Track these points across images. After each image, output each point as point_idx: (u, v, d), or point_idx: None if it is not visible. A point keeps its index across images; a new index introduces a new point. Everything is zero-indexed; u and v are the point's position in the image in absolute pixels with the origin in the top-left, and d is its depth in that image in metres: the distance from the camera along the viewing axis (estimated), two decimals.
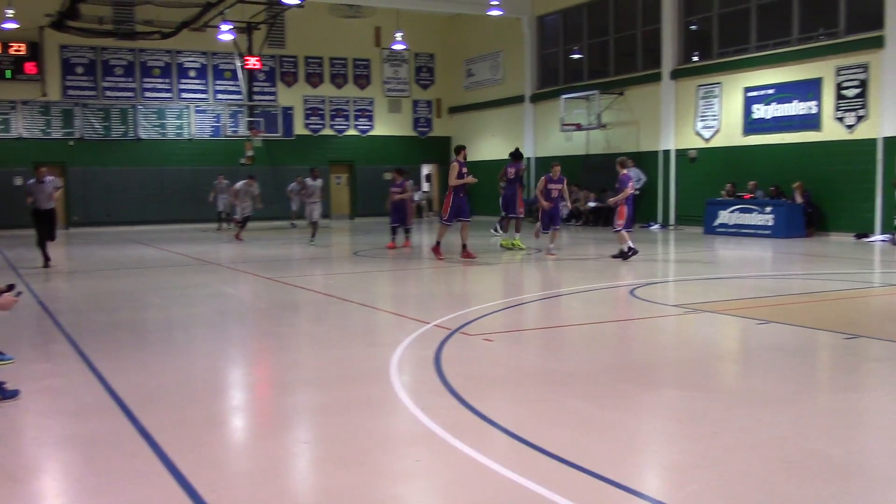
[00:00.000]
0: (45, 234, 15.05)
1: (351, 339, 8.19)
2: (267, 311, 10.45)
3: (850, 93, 20.02)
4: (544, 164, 30.22)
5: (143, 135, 30.07)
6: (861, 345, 7.61)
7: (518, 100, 31.40)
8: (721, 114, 23.39)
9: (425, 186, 36.04)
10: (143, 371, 6.87)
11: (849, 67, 20.03)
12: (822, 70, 20.59)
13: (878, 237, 19.08)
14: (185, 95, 30.79)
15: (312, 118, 33.05)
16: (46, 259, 15.07)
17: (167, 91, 30.55)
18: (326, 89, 33.27)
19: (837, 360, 7.31)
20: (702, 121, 24.02)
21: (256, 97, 31.53)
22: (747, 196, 21.82)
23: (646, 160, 25.60)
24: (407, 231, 18.79)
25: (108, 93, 29.66)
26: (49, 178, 15.19)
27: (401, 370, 6.63)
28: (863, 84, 19.77)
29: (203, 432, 5.13)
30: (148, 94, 30.23)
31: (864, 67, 19.69)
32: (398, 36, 30.99)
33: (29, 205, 15.08)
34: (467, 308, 9.70)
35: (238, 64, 30.74)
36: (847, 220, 20.08)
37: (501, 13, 27.37)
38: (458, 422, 5.20)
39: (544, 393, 5.99)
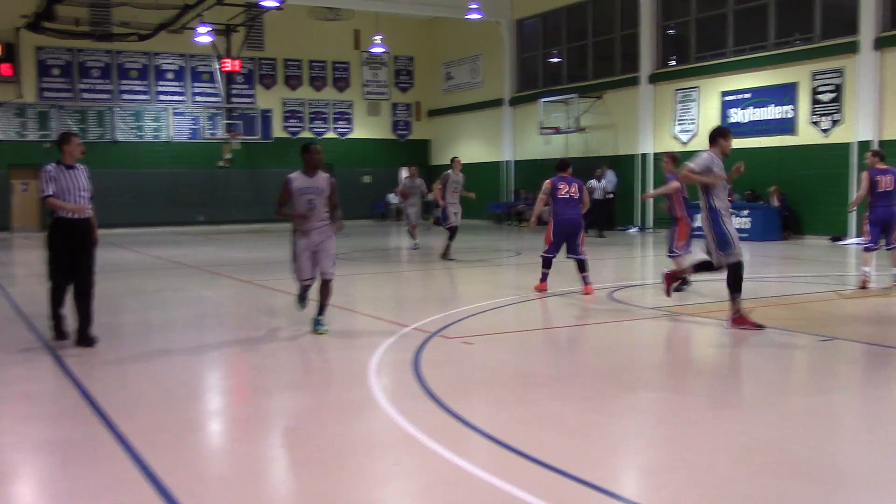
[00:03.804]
0: None
1: (329, 342, 8.17)
2: (245, 314, 10.41)
3: (826, 97, 20.22)
4: (523, 167, 30.34)
5: (120, 137, 29.85)
6: (836, 347, 7.68)
7: (497, 103, 31.47)
8: (698, 118, 23.55)
9: None
10: (119, 375, 6.82)
11: (824, 72, 20.23)
12: (798, 75, 20.79)
13: (852, 240, 19.28)
14: (162, 98, 30.61)
15: (291, 121, 32.96)
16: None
17: (144, 93, 30.36)
18: (305, 92, 33.18)
19: (812, 363, 7.37)
20: (679, 124, 24.18)
21: (235, 100, 31.39)
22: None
23: (624, 163, 25.74)
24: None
25: (85, 95, 29.42)
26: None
27: (379, 373, 6.62)
28: (838, 89, 19.98)
29: (180, 436, 5.10)
30: (125, 97, 30.02)
31: (839, 72, 19.90)
32: (377, 39, 30.98)
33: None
34: (447, 311, 9.71)
35: (216, 66, 30.60)
36: (822, 224, 20.27)
37: (480, 17, 27.44)
38: (437, 425, 5.20)
39: (523, 396, 6.00)
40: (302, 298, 8.81)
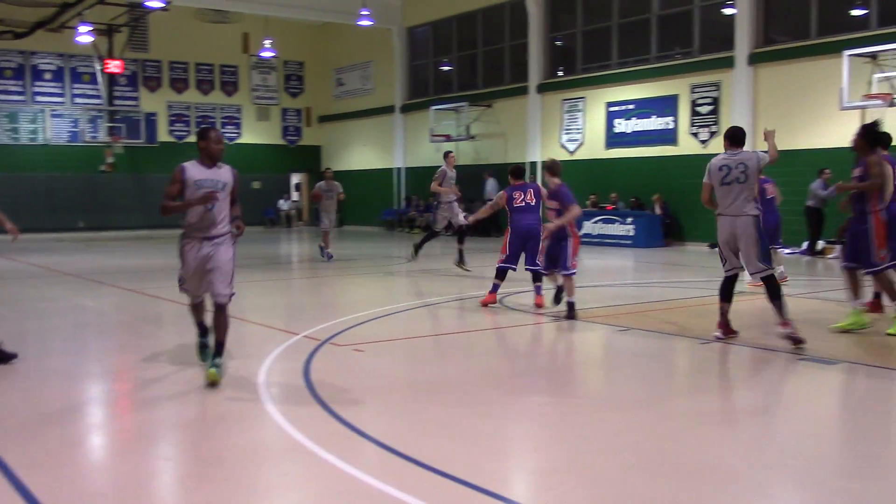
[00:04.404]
0: None
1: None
2: (129, 323, 10.08)
3: (704, 109, 21.08)
4: (414, 174, 30.45)
5: None
6: (714, 349, 7.99)
7: (388, 110, 31.50)
8: (585, 127, 24.16)
9: (294, 196, 35.63)
10: None
11: (702, 85, 21.09)
12: (679, 87, 21.60)
13: None
14: (39, 99, 29.39)
15: (177, 125, 32.15)
16: None
17: (20, 94, 29.07)
18: (192, 95, 32.44)
19: (693, 365, 7.66)
20: (566, 134, 24.74)
21: (117, 102, 30.40)
22: (609, 207, 22.60)
23: None
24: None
25: None
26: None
27: (269, 382, 6.52)
28: (715, 101, 20.85)
29: (59, 452, 4.90)
30: None
31: (717, 86, 20.77)
32: (267, 43, 30.56)
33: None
34: (338, 319, 9.64)
35: (98, 67, 29.54)
36: (702, 231, 21.07)
37: (372, 23, 27.42)
38: (328, 434, 5.16)
39: (413, 402, 6.02)
40: (202, 347, 7.01)
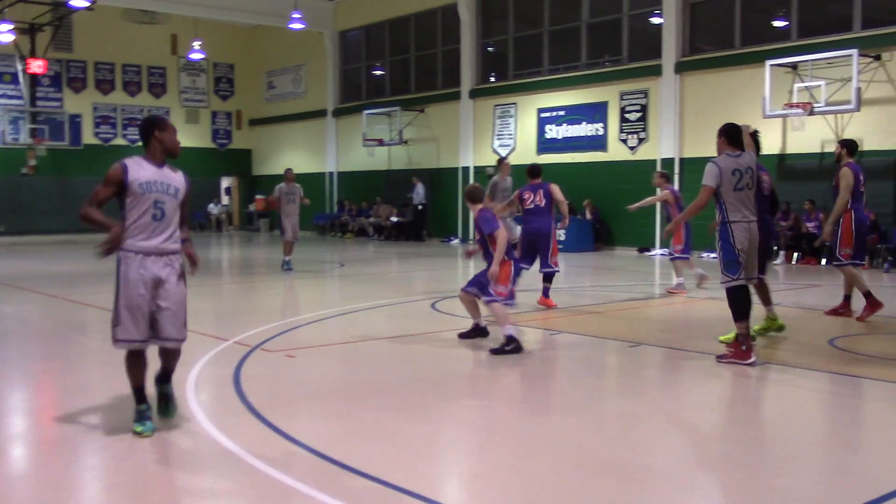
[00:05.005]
0: None
1: None
2: (52, 330, 9.80)
3: (633, 116, 21.46)
4: (347, 179, 30.32)
5: None
6: (643, 352, 8.14)
7: (320, 114, 31.31)
8: (516, 133, 24.37)
9: (224, 200, 35.16)
10: None
11: (631, 93, 21.47)
12: (608, 94, 21.95)
13: (657, 251, 20.53)
14: None
15: (103, 127, 31.42)
16: None
17: None
18: (118, 97, 31.75)
19: (623, 367, 7.78)
20: (499, 139, 24.91)
21: (40, 103, 29.54)
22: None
23: (446, 176, 26.24)
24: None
25: None
26: None
27: (198, 390, 6.40)
28: (643, 109, 21.25)
29: None
30: None
31: (645, 93, 21.17)
32: (196, 45, 30.10)
33: None
34: (269, 324, 9.53)
35: (19, 67, 28.68)
36: (631, 236, 21.46)
37: (303, 27, 27.22)
38: (259, 441, 5.09)
39: (346, 408, 5.98)
40: (142, 417, 5.27)
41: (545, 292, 10.95)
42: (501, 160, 13.10)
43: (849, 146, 9.81)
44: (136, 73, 32.12)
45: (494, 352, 7.89)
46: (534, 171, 11.07)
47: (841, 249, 9.67)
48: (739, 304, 7.37)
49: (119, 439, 5.30)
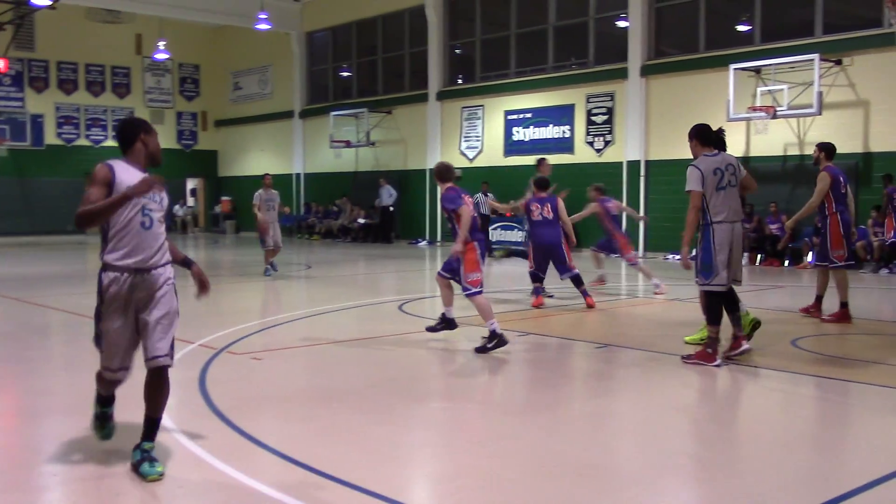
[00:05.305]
0: None
1: None
2: (13, 333, 9.64)
3: (599, 119, 21.59)
4: (314, 180, 30.19)
5: None
6: (609, 353, 8.19)
7: (287, 115, 31.15)
8: (484, 135, 24.42)
9: (190, 201, 34.85)
10: None
11: (597, 96, 21.60)
12: (575, 97, 22.07)
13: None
14: None
15: (66, 127, 31.01)
16: None
17: None
18: (82, 97, 31.35)
19: (589, 368, 7.82)
20: (466, 141, 24.95)
21: (1, 103, 29.12)
22: (508, 214, 22.87)
23: (413, 178, 26.22)
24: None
25: None
26: None
27: None
28: (610, 111, 21.39)
29: None
30: None
31: (611, 96, 21.32)
32: (161, 45, 29.81)
33: None
34: (235, 326, 9.46)
35: None
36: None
37: (270, 27, 27.06)
38: (225, 444, 5.06)
39: (313, 411, 5.96)
40: (103, 419, 4.98)
41: (585, 294, 11.16)
42: (541, 159, 13.11)
43: (826, 149, 9.84)
44: (99, 73, 31.74)
45: (479, 350, 7.91)
46: (541, 183, 11.37)
47: (833, 252, 9.69)
48: (712, 308, 7.38)
49: (81, 443, 5.23)
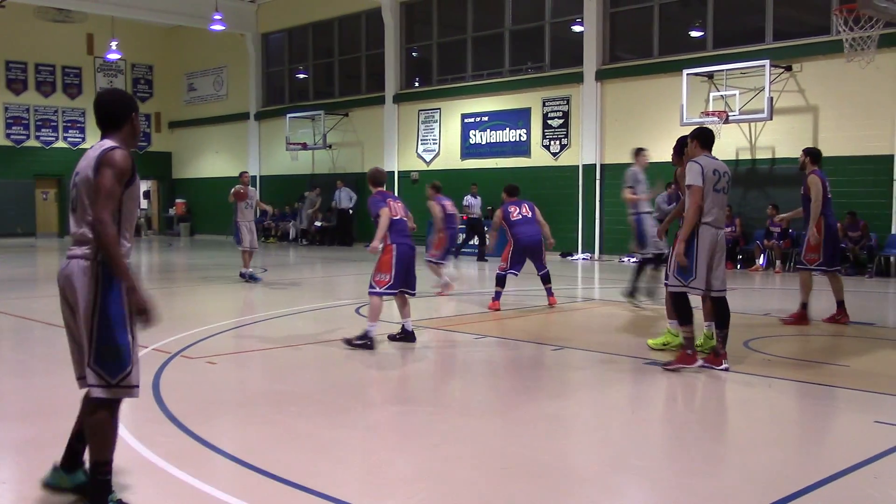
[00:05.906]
0: None
1: (58, 366, 7.57)
2: None
3: (555, 123, 21.75)
4: (270, 182, 29.96)
5: None
6: (565, 355, 8.25)
7: (243, 117, 30.90)
8: (441, 138, 24.45)
9: (143, 203, 34.38)
10: None
11: (553, 99, 21.76)
12: (531, 101, 22.20)
13: (580, 256, 20.84)
14: None
15: (15, 128, 30.40)
16: None
17: None
18: (31, 97, 30.76)
19: (546, 370, 7.87)
20: (423, 144, 24.97)
21: None
22: (465, 217, 22.92)
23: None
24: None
25: None
26: None
27: None
28: (565, 115, 21.55)
29: None
30: None
31: (567, 100, 21.48)
32: (113, 45, 29.37)
33: None
34: (189, 330, 9.36)
35: None
36: (558, 240, 21.68)
37: (224, 28, 26.81)
38: (179, 450, 5.00)
39: (270, 415, 5.92)
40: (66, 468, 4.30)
41: (550, 292, 11.57)
42: (639, 150, 11.96)
43: (812, 154, 9.91)
44: (50, 73, 31.18)
45: (346, 342, 8.31)
46: (511, 190, 11.81)
47: (806, 254, 9.75)
48: (681, 309, 7.30)
49: (34, 450, 5.14)
